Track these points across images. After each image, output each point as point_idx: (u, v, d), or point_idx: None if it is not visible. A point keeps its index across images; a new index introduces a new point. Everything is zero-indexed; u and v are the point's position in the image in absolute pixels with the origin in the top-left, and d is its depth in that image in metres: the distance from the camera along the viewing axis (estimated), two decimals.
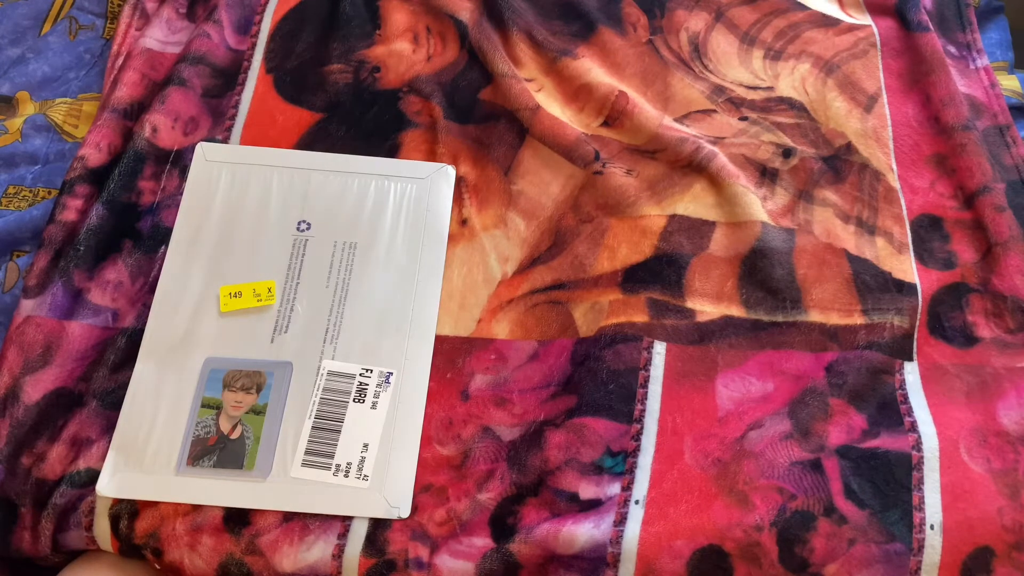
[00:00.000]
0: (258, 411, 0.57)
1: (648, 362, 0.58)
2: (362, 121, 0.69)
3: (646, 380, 0.58)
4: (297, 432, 0.56)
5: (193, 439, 0.56)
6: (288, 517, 0.54)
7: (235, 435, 0.56)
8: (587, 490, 0.54)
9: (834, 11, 0.76)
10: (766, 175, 0.67)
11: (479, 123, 0.69)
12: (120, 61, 0.73)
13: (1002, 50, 0.77)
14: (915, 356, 0.59)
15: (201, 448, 0.56)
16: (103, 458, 0.55)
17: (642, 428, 0.56)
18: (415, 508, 0.54)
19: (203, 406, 0.57)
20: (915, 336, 0.60)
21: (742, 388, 0.58)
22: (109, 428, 0.56)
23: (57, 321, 0.60)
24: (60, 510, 0.54)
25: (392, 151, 0.68)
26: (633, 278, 0.62)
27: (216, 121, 0.70)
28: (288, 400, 0.57)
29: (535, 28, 0.73)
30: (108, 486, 0.54)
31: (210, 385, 0.57)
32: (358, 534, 0.53)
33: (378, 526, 0.54)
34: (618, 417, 0.56)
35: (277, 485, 0.54)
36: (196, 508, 0.54)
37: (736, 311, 0.61)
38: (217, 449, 0.56)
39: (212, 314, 0.60)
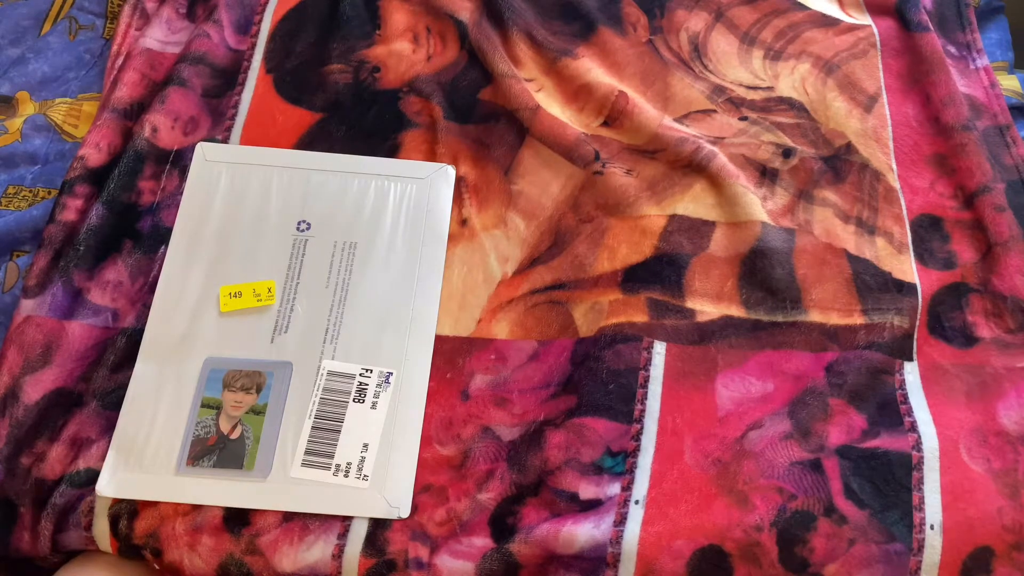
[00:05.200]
0: (258, 411, 0.57)
1: (648, 362, 0.58)
2: (362, 121, 0.69)
3: (646, 380, 0.58)
4: (297, 432, 0.56)
5: (193, 439, 0.56)
6: (288, 517, 0.54)
7: (235, 435, 0.56)
8: (587, 490, 0.54)
9: (834, 11, 0.76)
10: (766, 175, 0.67)
11: (479, 123, 0.69)
12: (120, 61, 0.73)
13: (1002, 50, 0.77)
14: (915, 356, 0.59)
15: (201, 448, 0.56)
16: (103, 458, 0.55)
17: (642, 428, 0.56)
18: (415, 508, 0.54)
19: (203, 406, 0.57)
20: (915, 336, 0.60)
21: (742, 388, 0.58)
22: (109, 428, 0.56)
23: (57, 321, 0.60)
24: (60, 510, 0.54)
25: (392, 151, 0.68)
26: (633, 278, 0.62)
27: (216, 121, 0.70)
28: (288, 400, 0.57)
29: (535, 28, 0.73)
30: (108, 486, 0.54)
31: (210, 385, 0.57)
32: (358, 534, 0.53)
33: (378, 526, 0.54)
34: (618, 417, 0.56)
35: (277, 485, 0.54)
36: (196, 508, 0.54)
37: (736, 311, 0.61)
38: (217, 449, 0.55)
39: (212, 314, 0.60)
